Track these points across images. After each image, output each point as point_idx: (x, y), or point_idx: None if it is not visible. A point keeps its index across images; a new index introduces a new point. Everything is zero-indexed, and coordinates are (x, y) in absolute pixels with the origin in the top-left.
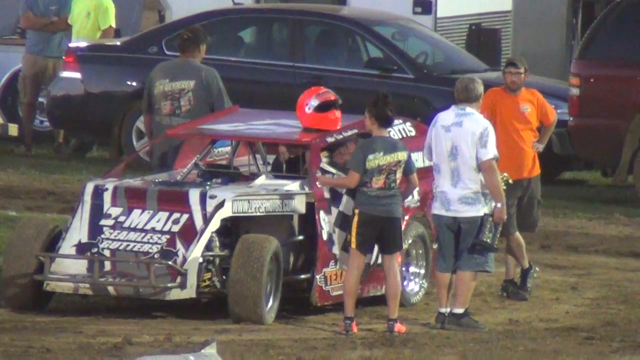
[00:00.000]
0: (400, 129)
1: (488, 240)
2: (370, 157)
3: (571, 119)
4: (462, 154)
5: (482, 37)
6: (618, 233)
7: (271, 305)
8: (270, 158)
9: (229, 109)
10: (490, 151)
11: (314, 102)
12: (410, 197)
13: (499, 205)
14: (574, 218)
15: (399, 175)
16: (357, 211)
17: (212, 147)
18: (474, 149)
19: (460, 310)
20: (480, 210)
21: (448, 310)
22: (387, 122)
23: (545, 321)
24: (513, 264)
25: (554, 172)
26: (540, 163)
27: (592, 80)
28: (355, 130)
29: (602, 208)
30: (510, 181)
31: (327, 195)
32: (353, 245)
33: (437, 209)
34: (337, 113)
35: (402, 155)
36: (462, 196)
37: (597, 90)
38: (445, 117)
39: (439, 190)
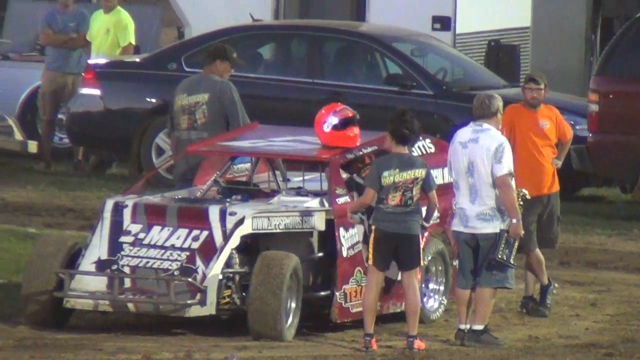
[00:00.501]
0: (420, 145)
1: (503, 256)
2: (385, 173)
3: (590, 135)
4: (478, 170)
5: (501, 54)
6: (638, 249)
7: (291, 322)
8: (290, 174)
9: (249, 125)
10: (505, 167)
11: (333, 120)
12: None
13: (514, 220)
14: (593, 234)
15: (416, 192)
16: (373, 227)
17: (232, 164)
18: (490, 165)
19: (479, 327)
20: (498, 226)
21: (468, 326)
22: (401, 139)
23: (564, 338)
24: (532, 280)
25: (573, 188)
26: (559, 179)
27: (611, 96)
28: (375, 147)
29: (621, 224)
30: (529, 197)
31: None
32: (370, 261)
33: (456, 226)
34: (356, 130)
35: (419, 172)
36: (479, 212)
37: (616, 106)
38: (463, 133)
39: (458, 207)
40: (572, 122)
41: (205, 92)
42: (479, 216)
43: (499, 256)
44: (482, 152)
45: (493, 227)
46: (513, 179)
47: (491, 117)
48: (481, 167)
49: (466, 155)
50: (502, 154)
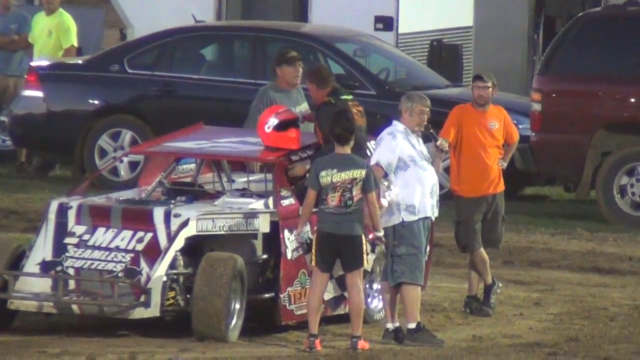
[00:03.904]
0: None
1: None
2: (323, 173)
3: (533, 134)
4: None
5: (443, 53)
6: (581, 248)
7: (235, 323)
8: (235, 175)
9: (193, 126)
10: (375, 157)
11: (273, 121)
12: (381, 218)
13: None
14: (536, 233)
15: (356, 192)
16: (316, 228)
17: (177, 165)
18: None
19: (412, 325)
20: (390, 221)
21: (393, 325)
22: (338, 139)
23: (508, 337)
24: (476, 279)
25: (516, 187)
26: (503, 179)
27: (553, 95)
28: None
29: (564, 223)
30: (447, 147)
31: None
32: (313, 262)
33: None
34: (297, 131)
35: (357, 173)
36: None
37: (559, 105)
38: None
39: None
40: (515, 122)
41: None
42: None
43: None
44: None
45: (385, 221)
46: (381, 173)
47: (400, 115)
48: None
49: None
50: (378, 145)
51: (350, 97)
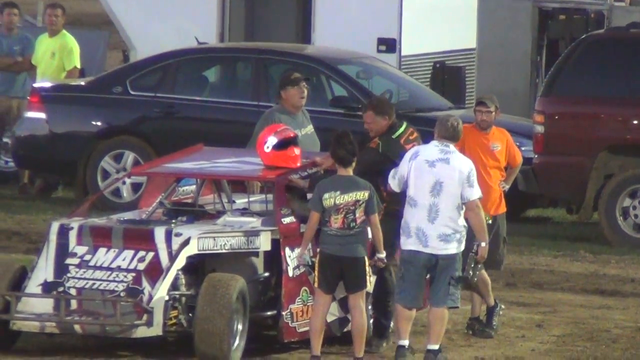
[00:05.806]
0: None
1: (468, 276)
2: (326, 195)
3: (536, 156)
4: (447, 191)
5: (446, 75)
6: (583, 270)
7: (237, 343)
8: (236, 196)
9: (193, 147)
10: (476, 191)
11: (273, 140)
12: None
13: (483, 244)
14: (539, 255)
15: (359, 214)
16: (319, 250)
17: (177, 186)
18: (460, 187)
19: (436, 347)
20: (457, 247)
21: (407, 343)
22: (341, 162)
23: (511, 359)
24: (479, 301)
25: (519, 209)
26: (505, 201)
27: (556, 117)
28: (317, 168)
29: (567, 245)
30: (489, 220)
31: None
32: (316, 284)
33: (413, 245)
34: (297, 150)
35: (361, 195)
36: (441, 233)
37: (561, 127)
38: (429, 151)
39: (414, 225)
40: (518, 144)
41: None
42: (441, 237)
43: (470, 277)
44: (454, 173)
45: (453, 247)
46: None
47: (457, 141)
48: (450, 188)
49: (433, 174)
50: (473, 178)
51: (403, 127)
